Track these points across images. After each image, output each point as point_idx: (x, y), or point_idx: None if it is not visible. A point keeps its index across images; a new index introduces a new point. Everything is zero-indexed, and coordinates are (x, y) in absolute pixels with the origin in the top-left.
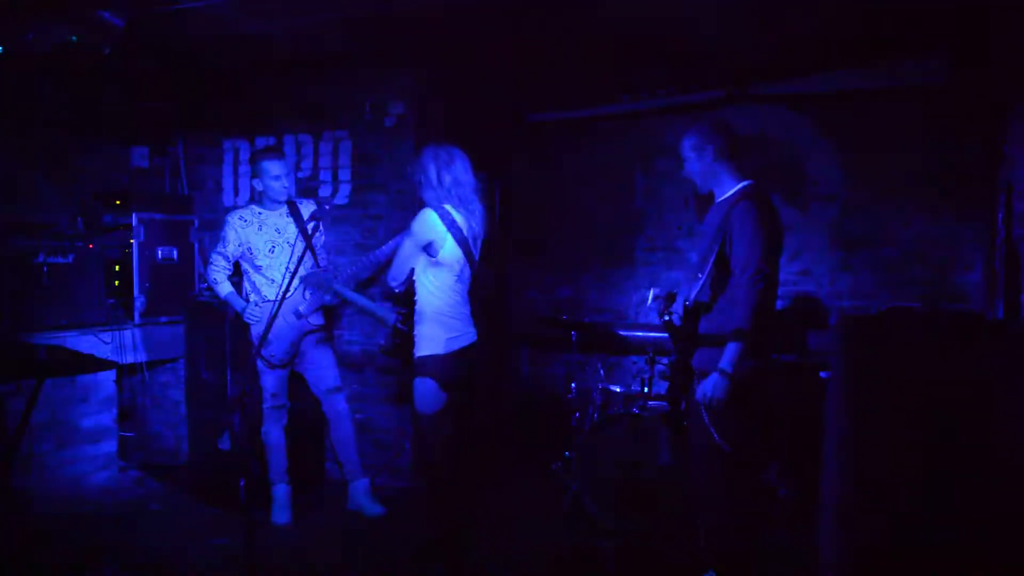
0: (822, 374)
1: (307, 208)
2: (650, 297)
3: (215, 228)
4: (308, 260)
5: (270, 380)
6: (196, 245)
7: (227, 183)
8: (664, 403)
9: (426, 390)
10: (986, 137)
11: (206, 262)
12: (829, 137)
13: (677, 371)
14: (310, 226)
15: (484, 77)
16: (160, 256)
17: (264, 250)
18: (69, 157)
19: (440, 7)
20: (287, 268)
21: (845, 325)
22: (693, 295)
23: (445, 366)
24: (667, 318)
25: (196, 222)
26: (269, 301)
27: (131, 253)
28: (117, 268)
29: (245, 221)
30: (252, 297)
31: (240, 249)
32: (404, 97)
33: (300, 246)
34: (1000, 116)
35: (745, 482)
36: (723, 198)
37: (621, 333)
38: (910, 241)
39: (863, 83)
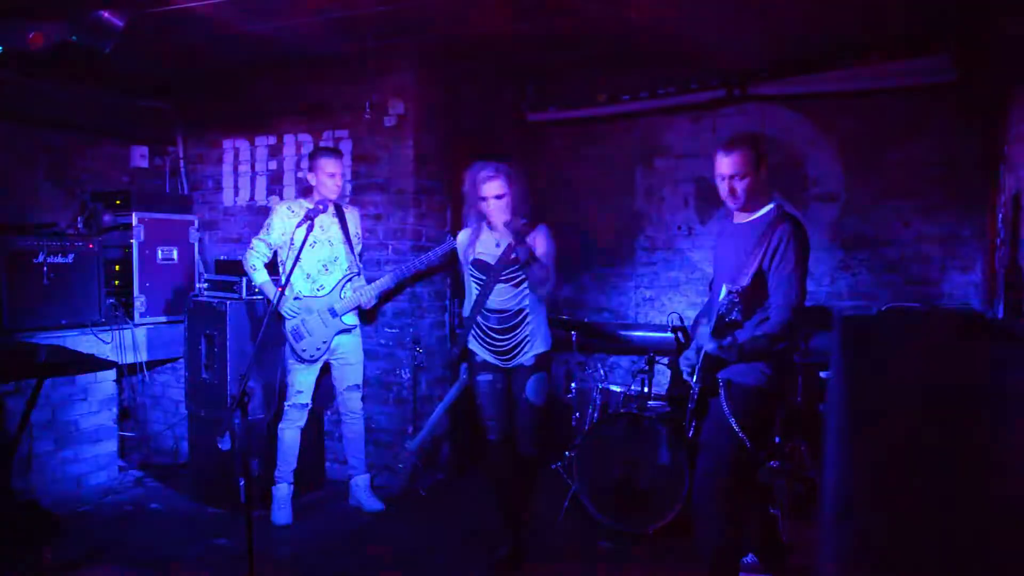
0: (822, 374)
1: (351, 213)
2: (723, 292)
3: (215, 228)
4: (345, 260)
5: (299, 376)
6: (196, 245)
7: (227, 183)
8: (664, 403)
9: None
10: (986, 137)
11: (205, 262)
12: (829, 137)
13: (702, 394)
14: (304, 225)
15: (484, 77)
16: (160, 256)
17: (305, 245)
18: (69, 157)
19: (440, 6)
20: (324, 266)
21: (844, 325)
22: (730, 313)
23: None
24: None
25: (196, 222)
26: (301, 296)
27: (131, 253)
28: (117, 268)
29: (292, 212)
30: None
31: (284, 239)
32: (404, 97)
33: (342, 247)
34: (1000, 116)
35: (750, 483)
36: (756, 216)
37: (621, 333)
38: (910, 241)
39: (863, 83)
